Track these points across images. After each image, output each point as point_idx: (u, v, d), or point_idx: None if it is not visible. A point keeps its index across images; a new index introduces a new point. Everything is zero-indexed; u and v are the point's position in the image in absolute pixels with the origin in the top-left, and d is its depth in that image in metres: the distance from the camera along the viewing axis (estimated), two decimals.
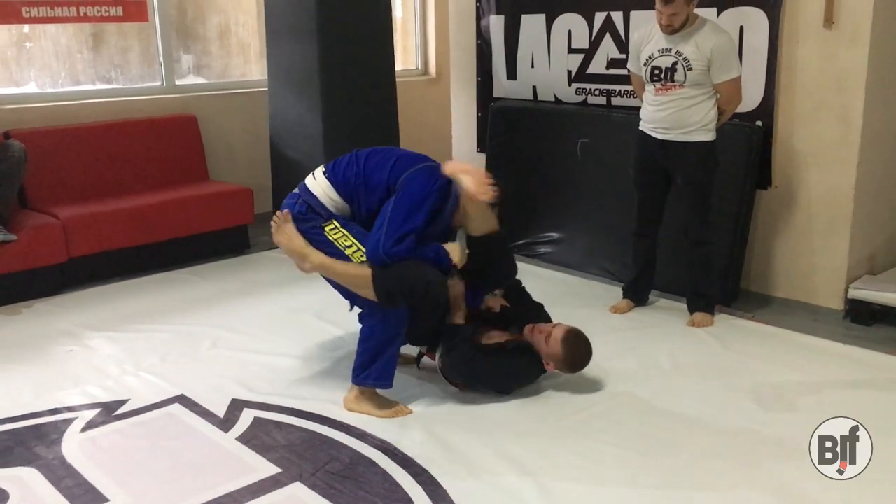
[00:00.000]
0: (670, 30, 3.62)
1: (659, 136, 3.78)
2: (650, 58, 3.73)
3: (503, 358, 3.12)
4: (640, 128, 3.88)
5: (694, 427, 2.92)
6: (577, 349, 3.11)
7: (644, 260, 4.06)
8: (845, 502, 2.44)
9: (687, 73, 3.62)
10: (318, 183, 3.10)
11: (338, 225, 3.01)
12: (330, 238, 3.00)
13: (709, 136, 3.71)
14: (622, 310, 4.09)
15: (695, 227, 3.83)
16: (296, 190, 3.18)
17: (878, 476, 2.51)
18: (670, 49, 3.66)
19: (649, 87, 3.79)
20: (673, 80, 3.67)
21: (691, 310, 3.96)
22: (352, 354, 3.52)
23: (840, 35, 3.82)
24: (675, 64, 3.64)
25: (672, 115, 3.71)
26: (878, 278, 4.07)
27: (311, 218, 3.05)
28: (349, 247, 2.96)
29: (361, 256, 2.94)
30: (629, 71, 4.02)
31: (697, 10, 3.68)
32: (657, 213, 3.97)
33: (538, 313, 3.35)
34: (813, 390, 3.22)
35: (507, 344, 3.15)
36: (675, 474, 2.62)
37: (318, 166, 3.19)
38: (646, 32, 3.79)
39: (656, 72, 3.71)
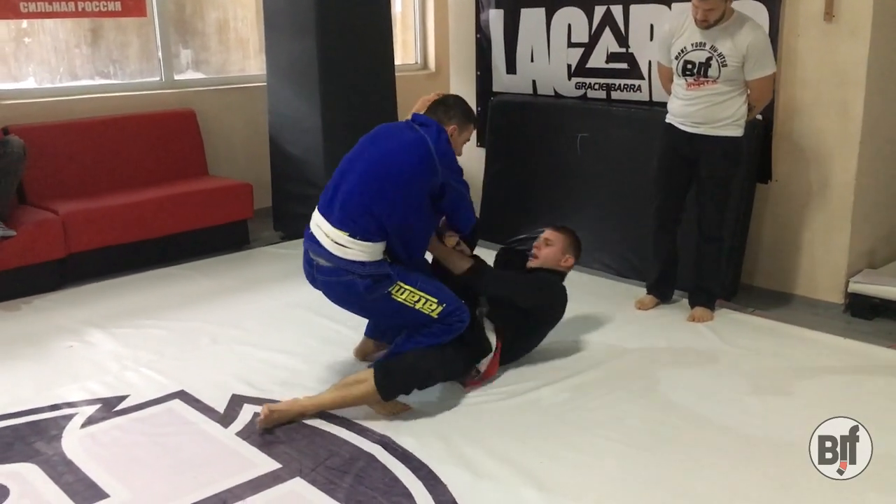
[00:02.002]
0: (706, 25, 3.54)
1: (688, 130, 3.73)
2: (683, 51, 3.65)
3: (532, 275, 3.45)
4: (668, 120, 3.83)
5: (694, 422, 2.92)
6: (570, 231, 3.57)
7: (666, 256, 3.99)
8: (845, 496, 2.44)
9: (721, 69, 3.55)
10: (357, 250, 2.93)
11: (402, 284, 2.96)
12: (399, 300, 2.96)
13: (738, 131, 3.67)
14: (647, 305, 4.04)
15: (709, 221, 3.80)
16: (329, 264, 2.97)
17: (878, 469, 2.51)
18: (705, 44, 3.58)
19: (679, 81, 3.72)
20: (706, 76, 3.60)
21: (692, 304, 3.95)
22: (350, 348, 3.54)
23: (840, 28, 3.81)
24: (709, 59, 3.57)
25: (703, 111, 3.65)
26: (878, 272, 4.07)
27: (377, 288, 2.96)
28: (417, 301, 2.96)
29: (431, 306, 2.96)
30: (658, 63, 3.96)
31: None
32: (679, 207, 3.92)
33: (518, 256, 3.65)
34: (813, 384, 3.22)
35: (532, 271, 3.47)
36: (674, 470, 2.62)
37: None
38: (678, 24, 3.71)
39: (689, 66, 3.64)
